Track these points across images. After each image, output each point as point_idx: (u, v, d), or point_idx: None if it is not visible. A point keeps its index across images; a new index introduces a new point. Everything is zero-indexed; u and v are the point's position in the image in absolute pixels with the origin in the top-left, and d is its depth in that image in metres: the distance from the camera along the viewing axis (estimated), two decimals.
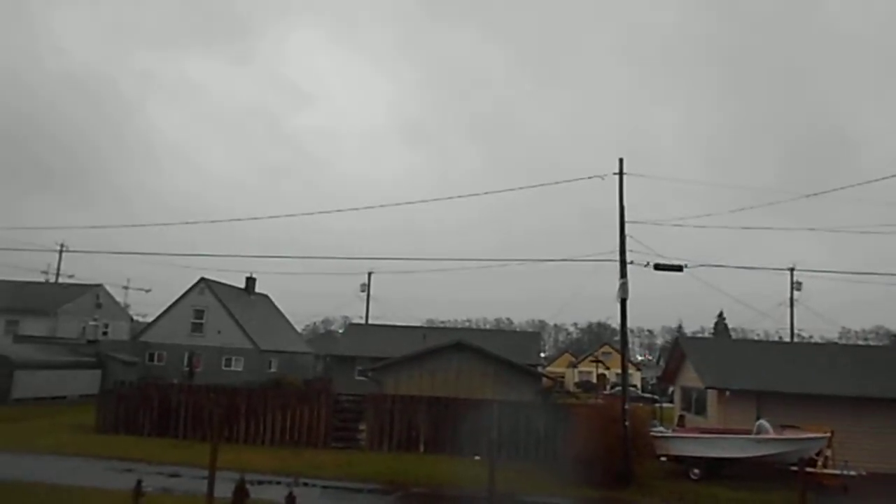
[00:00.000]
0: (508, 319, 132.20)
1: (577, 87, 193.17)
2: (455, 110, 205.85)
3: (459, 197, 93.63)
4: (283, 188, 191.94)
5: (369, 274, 58.40)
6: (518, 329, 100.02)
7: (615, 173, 22.01)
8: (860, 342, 79.84)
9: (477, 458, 21.42)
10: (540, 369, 41.31)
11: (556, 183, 48.92)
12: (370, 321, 56.51)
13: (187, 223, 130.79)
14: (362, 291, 58.65)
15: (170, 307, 48.47)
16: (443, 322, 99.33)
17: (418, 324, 62.13)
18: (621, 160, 21.99)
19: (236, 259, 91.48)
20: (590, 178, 22.34)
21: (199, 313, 47.78)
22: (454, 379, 27.30)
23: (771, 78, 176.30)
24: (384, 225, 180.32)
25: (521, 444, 23.20)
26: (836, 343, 60.47)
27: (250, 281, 55.53)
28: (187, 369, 44.77)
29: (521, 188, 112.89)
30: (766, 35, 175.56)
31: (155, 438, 24.06)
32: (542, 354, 65.79)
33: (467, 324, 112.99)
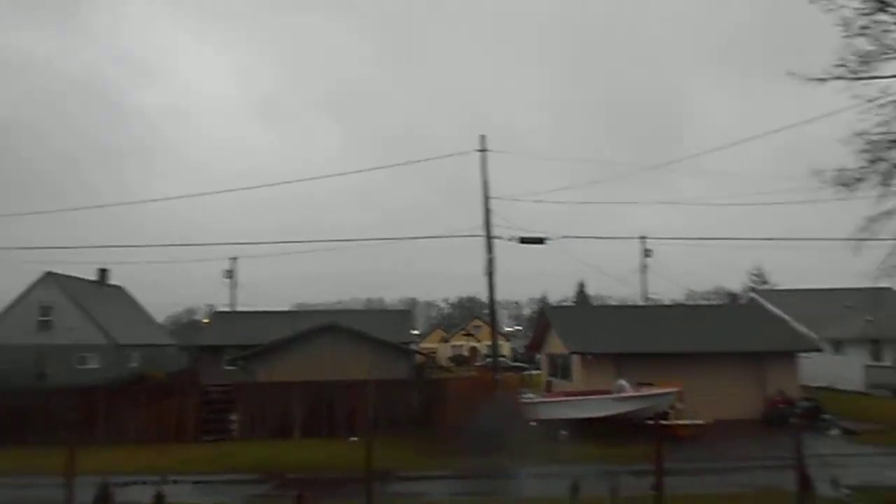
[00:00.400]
0: (380, 298, 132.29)
1: (441, 64, 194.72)
2: (313, 86, 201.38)
3: (326, 177, 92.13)
4: (133, 172, 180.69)
5: (233, 259, 56.34)
6: (390, 307, 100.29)
7: (477, 150, 22.52)
8: (703, 302, 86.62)
9: (354, 439, 21.44)
10: (413, 346, 41.74)
11: (425, 160, 49.39)
12: (237, 308, 54.63)
13: (31, 213, 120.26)
14: (227, 277, 56.51)
15: (10, 306, 44.50)
16: (313, 305, 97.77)
17: (288, 308, 60.83)
18: (483, 137, 22.53)
19: (86, 251, 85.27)
20: (452, 155, 22.87)
21: (46, 310, 44.24)
22: (328, 362, 27.05)
23: (624, 58, 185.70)
24: (247, 207, 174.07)
25: (398, 421, 23.45)
26: (683, 304, 65.28)
27: (102, 273, 52.07)
28: (36, 371, 41.43)
29: (388, 166, 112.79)
30: (619, 16, 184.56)
31: (2, 450, 22.15)
32: (415, 331, 66.40)
33: (339, 305, 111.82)
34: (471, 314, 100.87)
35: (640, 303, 51.20)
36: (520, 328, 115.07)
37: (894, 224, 23.77)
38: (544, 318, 35.14)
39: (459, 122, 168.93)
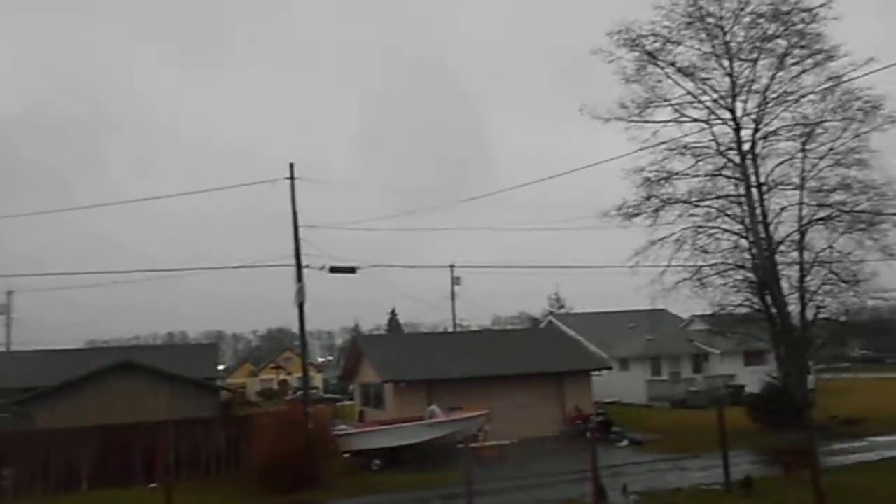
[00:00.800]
0: (182, 332, 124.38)
1: (250, 91, 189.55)
2: (96, 104, 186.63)
3: (120, 203, 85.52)
4: None
5: (9, 293, 50.37)
6: (193, 342, 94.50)
7: (286, 178, 22.16)
8: (508, 326, 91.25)
9: (153, 485, 19.90)
10: (219, 382, 39.75)
11: (231, 187, 47.55)
12: (14, 347, 48.75)
13: None
14: (1, 314, 50.36)
15: None
16: (106, 341, 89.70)
17: (79, 346, 55.39)
18: (292, 165, 22.22)
19: None
20: (260, 182, 22.35)
21: None
22: (123, 403, 24.85)
23: (438, 90, 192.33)
24: (27, 237, 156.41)
25: (203, 462, 22.13)
26: (490, 329, 68.30)
27: None
28: None
29: (190, 193, 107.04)
30: (421, 44, 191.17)
31: None
32: (221, 366, 63.16)
33: (136, 341, 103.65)
34: (281, 346, 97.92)
35: (451, 329, 52.77)
36: (332, 358, 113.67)
37: (665, 252, 26.94)
38: (357, 347, 35.05)
39: (268, 150, 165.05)
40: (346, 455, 22.36)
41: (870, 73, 22.53)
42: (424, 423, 23.76)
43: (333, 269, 22.18)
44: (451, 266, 49.49)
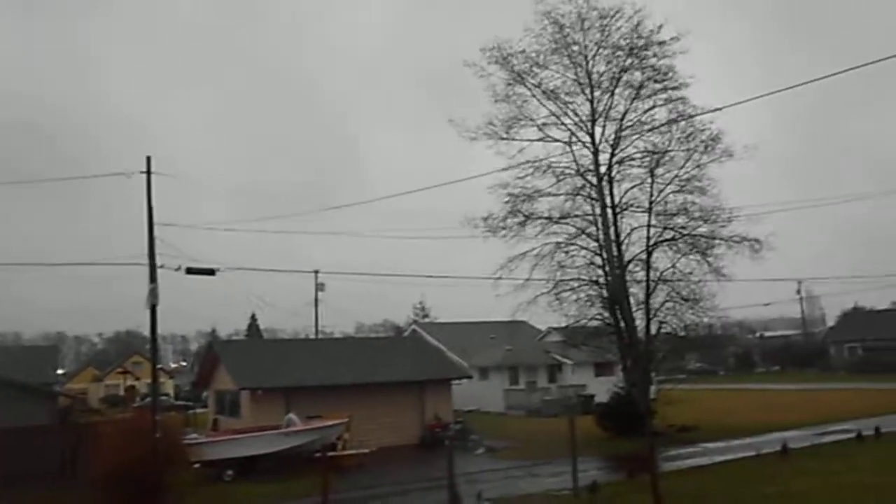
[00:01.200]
0: (16, 333, 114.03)
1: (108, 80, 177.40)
2: None
3: None
4: None
5: None
6: (29, 344, 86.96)
7: (142, 172, 20.95)
8: (372, 334, 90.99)
9: None
10: (58, 387, 36.85)
11: (84, 177, 44.38)
12: None
13: None
14: None
15: None
16: None
17: None
18: (149, 158, 21.01)
19: None
20: (113, 175, 21.00)
21: None
22: None
23: (307, 96, 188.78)
24: None
25: (37, 475, 20.40)
26: (353, 337, 67.86)
27: None
28: None
29: (33, 182, 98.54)
30: (286, 45, 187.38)
31: None
32: (61, 371, 58.60)
33: None
34: (130, 349, 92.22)
35: (313, 336, 51.90)
36: (185, 364, 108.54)
37: (526, 265, 27.97)
38: (212, 352, 33.66)
39: (131, 147, 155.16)
40: (197, 465, 21.39)
41: (711, 111, 24.72)
42: (281, 431, 23.20)
43: (190, 271, 21.18)
44: (316, 272, 48.78)
